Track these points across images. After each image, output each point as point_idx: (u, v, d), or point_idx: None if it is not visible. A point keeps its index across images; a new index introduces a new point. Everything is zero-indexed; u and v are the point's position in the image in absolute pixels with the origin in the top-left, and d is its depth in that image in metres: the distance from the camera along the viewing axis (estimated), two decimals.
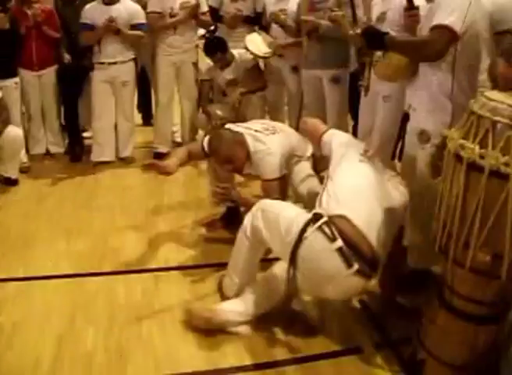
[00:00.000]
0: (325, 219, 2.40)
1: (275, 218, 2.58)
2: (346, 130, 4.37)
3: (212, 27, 5.54)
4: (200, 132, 5.44)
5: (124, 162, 5.22)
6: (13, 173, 4.73)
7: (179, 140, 5.61)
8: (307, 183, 3.46)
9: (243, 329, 2.68)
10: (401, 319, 2.73)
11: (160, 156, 5.20)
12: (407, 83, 2.96)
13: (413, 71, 2.85)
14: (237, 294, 2.80)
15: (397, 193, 2.69)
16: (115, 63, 4.96)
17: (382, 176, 2.69)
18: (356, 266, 2.36)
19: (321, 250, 2.38)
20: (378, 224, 2.48)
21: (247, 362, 2.51)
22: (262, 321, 2.73)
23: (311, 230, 2.40)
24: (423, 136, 2.75)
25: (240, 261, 2.82)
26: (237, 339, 2.65)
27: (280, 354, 2.55)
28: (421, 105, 2.79)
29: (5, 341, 2.67)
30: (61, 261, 3.45)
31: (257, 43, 4.77)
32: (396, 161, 3.17)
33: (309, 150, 3.55)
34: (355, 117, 4.10)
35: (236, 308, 2.70)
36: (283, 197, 3.28)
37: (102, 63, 4.96)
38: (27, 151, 5.22)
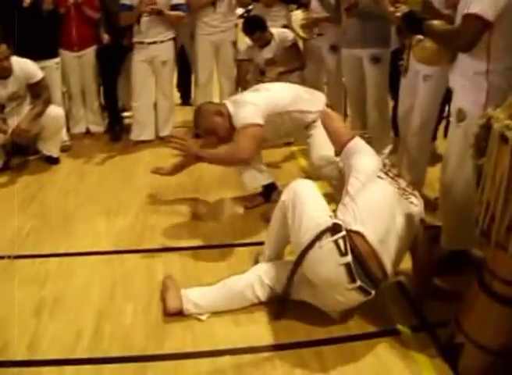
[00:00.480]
0: (343, 233, 2.39)
1: (300, 210, 2.55)
2: (387, 111, 4.34)
3: (251, 6, 5.52)
4: None
5: (163, 141, 5.26)
6: (55, 152, 4.82)
7: None
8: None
9: (202, 317, 2.68)
10: (439, 301, 2.72)
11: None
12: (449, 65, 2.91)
13: (451, 56, 2.82)
14: None
15: (412, 205, 2.63)
16: (154, 43, 4.98)
17: (398, 190, 2.63)
18: (358, 283, 2.37)
19: (329, 260, 2.38)
20: (393, 242, 2.47)
21: (283, 340, 2.52)
22: (296, 300, 2.75)
23: (326, 239, 2.39)
24: (460, 114, 2.73)
25: (272, 235, 2.87)
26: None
27: (316, 333, 2.56)
28: (458, 83, 2.77)
29: (47, 315, 2.75)
30: (101, 238, 3.52)
31: (298, 21, 4.74)
32: (438, 142, 3.13)
33: (319, 105, 3.57)
34: (395, 97, 4.04)
35: (195, 301, 2.69)
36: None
37: (142, 43, 4.98)
38: (68, 130, 5.31)
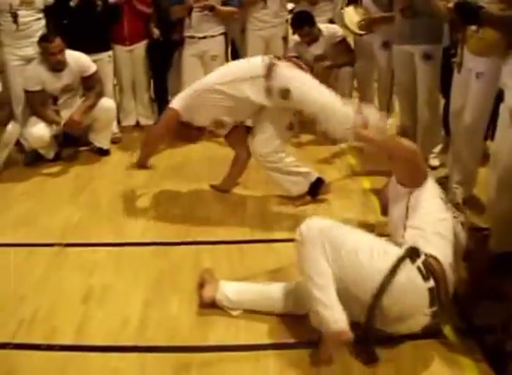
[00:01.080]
0: (423, 257, 2.28)
1: (350, 247, 2.33)
2: (438, 109, 4.27)
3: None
4: None
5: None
6: (105, 144, 4.92)
7: None
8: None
9: (233, 312, 2.67)
10: (487, 305, 2.66)
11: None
12: (502, 61, 2.84)
13: (507, 46, 2.74)
14: None
15: (459, 225, 2.56)
16: (205, 37, 5.02)
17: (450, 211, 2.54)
18: (435, 308, 2.30)
19: (413, 287, 2.26)
20: (453, 265, 2.38)
21: None
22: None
23: (407, 266, 2.26)
24: None
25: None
26: None
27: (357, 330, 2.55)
28: (511, 82, 2.68)
29: (95, 302, 2.82)
30: (149, 229, 3.58)
31: (351, 17, 4.70)
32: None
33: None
34: (446, 96, 3.97)
35: (229, 296, 2.68)
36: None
37: (193, 37, 5.02)
38: (118, 122, 5.41)
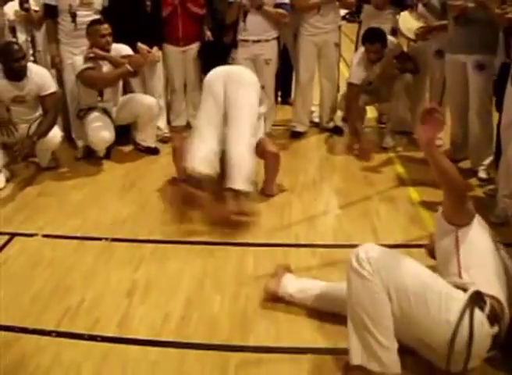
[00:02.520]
0: (489, 302, 2.10)
1: (416, 288, 2.13)
2: (490, 120, 4.18)
3: (354, 8, 5.46)
4: (339, 113, 5.43)
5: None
6: (151, 142, 5.01)
7: (316, 120, 5.61)
8: None
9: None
10: None
11: (297, 135, 5.26)
12: None
13: None
14: None
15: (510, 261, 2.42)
16: (259, 41, 5.03)
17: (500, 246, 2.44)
18: (494, 352, 2.16)
19: (481, 335, 2.08)
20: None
21: None
22: None
23: (478, 315, 2.06)
24: None
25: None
26: None
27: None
28: None
29: (139, 296, 2.87)
30: (195, 228, 3.60)
31: (408, 23, 4.65)
32: None
33: None
34: (500, 109, 3.88)
35: (292, 292, 2.71)
36: None
37: (246, 41, 5.05)
38: (169, 123, 5.48)
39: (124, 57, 4.56)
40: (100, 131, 4.57)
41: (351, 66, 4.97)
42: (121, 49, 4.63)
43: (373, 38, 4.69)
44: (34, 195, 4.18)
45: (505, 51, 3.80)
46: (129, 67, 4.48)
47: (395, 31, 5.04)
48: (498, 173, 3.74)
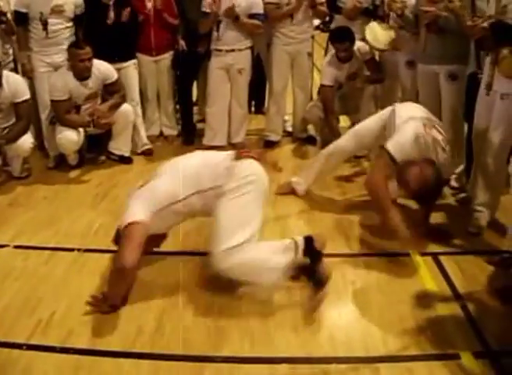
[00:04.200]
0: None
1: None
2: (461, 130, 4.24)
3: (327, 18, 5.50)
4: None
5: (235, 147, 5.31)
6: (126, 151, 4.98)
7: (290, 129, 5.65)
8: None
9: None
10: (505, 329, 2.63)
11: (270, 144, 5.27)
12: None
13: None
14: None
15: None
16: (232, 51, 5.04)
17: None
18: None
19: None
20: None
21: (341, 353, 2.51)
22: (359, 315, 2.74)
23: None
24: None
25: None
26: (335, 330, 2.67)
27: (374, 349, 2.53)
28: None
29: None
30: (168, 238, 3.56)
31: (375, 33, 4.71)
32: None
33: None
34: (469, 120, 3.94)
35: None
36: None
37: (220, 50, 5.05)
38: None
39: (91, 114, 4.56)
40: (67, 133, 4.53)
41: (322, 68, 5.03)
42: (100, 65, 4.59)
43: (342, 37, 4.75)
44: (5, 205, 4.12)
45: (476, 61, 3.87)
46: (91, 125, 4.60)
47: (365, 41, 5.10)
48: (470, 182, 3.80)
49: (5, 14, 4.59)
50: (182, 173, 2.92)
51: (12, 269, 3.22)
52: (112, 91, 4.69)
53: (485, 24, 2.85)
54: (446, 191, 4.16)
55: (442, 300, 2.90)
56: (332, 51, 4.90)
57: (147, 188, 2.94)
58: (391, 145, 3.34)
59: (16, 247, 3.49)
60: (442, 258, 3.29)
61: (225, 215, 2.79)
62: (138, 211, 2.79)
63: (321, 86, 4.98)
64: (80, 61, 4.40)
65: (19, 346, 2.54)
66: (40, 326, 2.68)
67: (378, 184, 3.32)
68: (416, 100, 4.62)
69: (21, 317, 2.76)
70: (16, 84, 4.37)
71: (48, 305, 2.85)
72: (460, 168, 4.26)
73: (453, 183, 4.25)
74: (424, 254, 3.34)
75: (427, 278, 3.12)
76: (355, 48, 4.78)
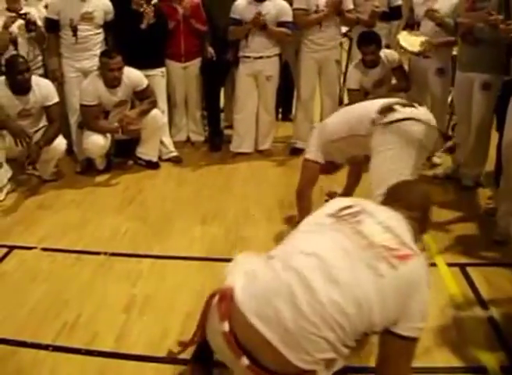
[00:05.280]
0: None
1: None
2: (487, 139, 4.24)
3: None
4: None
5: (262, 154, 5.33)
6: (153, 156, 5.02)
7: None
8: None
9: None
10: None
11: (297, 152, 5.26)
12: None
13: None
14: None
15: None
16: (260, 58, 5.06)
17: None
18: None
19: None
20: None
21: (363, 363, 2.46)
22: None
23: None
24: None
25: None
26: None
27: None
28: None
29: (137, 311, 2.87)
30: (194, 244, 3.60)
31: (408, 39, 4.68)
32: None
33: None
34: (500, 127, 3.90)
35: None
36: None
37: (248, 57, 5.07)
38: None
39: (120, 121, 4.60)
40: (94, 137, 4.58)
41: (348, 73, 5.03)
42: (129, 73, 4.62)
43: (368, 40, 4.70)
44: (34, 208, 4.18)
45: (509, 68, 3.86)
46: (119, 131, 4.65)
47: (388, 47, 5.07)
48: (498, 191, 3.75)
49: (34, 23, 4.68)
50: None
51: (40, 271, 3.26)
52: (143, 98, 4.73)
53: None
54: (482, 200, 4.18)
55: (468, 312, 2.86)
56: (359, 56, 4.88)
57: None
58: None
59: (44, 249, 3.53)
60: (470, 270, 3.25)
61: None
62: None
63: (348, 90, 4.96)
64: (109, 70, 4.44)
65: (45, 347, 2.57)
66: (65, 328, 2.71)
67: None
68: (446, 107, 4.60)
69: (47, 319, 2.79)
70: (47, 88, 4.43)
71: (73, 308, 2.88)
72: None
73: (436, 159, 4.58)
74: (451, 265, 3.30)
75: (453, 288, 3.08)
76: (382, 55, 4.75)
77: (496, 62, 3.97)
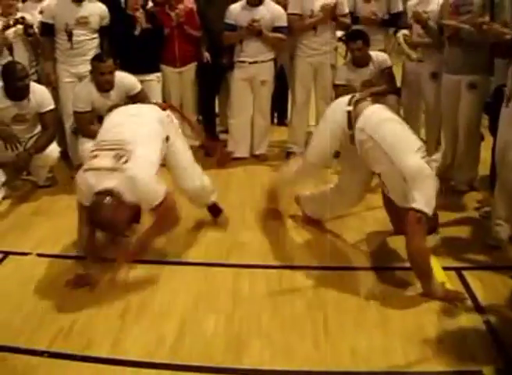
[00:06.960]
0: None
1: None
2: (477, 142, 4.31)
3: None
4: None
5: (257, 159, 5.33)
6: None
7: None
8: None
9: None
10: None
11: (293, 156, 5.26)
12: None
13: None
14: None
15: None
16: (255, 62, 5.07)
17: None
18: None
19: None
20: None
21: (363, 368, 2.48)
22: (380, 329, 2.71)
23: None
24: None
25: None
26: (356, 344, 2.63)
27: (395, 365, 2.50)
28: None
29: (132, 317, 2.85)
30: (190, 249, 3.59)
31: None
32: None
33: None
34: (493, 131, 3.91)
35: None
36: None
37: (243, 62, 5.08)
38: None
39: None
40: (88, 143, 4.54)
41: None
42: (123, 78, 4.56)
43: (354, 36, 4.72)
44: (29, 213, 4.17)
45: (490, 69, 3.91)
46: None
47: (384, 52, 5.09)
48: (494, 196, 3.76)
49: (31, 27, 4.67)
50: None
51: (35, 276, 3.24)
52: (137, 102, 4.71)
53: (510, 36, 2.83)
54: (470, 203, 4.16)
55: (464, 315, 2.86)
56: (349, 54, 4.91)
57: None
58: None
59: (39, 255, 3.51)
60: (466, 273, 3.25)
61: None
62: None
63: (334, 86, 4.95)
64: (101, 74, 4.38)
65: (40, 353, 2.55)
66: (61, 334, 2.69)
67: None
68: (440, 112, 4.60)
69: (42, 325, 2.77)
70: (42, 95, 4.42)
71: (69, 314, 2.86)
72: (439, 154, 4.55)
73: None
74: (447, 269, 3.30)
75: None
76: (373, 55, 4.75)
77: (482, 63, 4.04)
